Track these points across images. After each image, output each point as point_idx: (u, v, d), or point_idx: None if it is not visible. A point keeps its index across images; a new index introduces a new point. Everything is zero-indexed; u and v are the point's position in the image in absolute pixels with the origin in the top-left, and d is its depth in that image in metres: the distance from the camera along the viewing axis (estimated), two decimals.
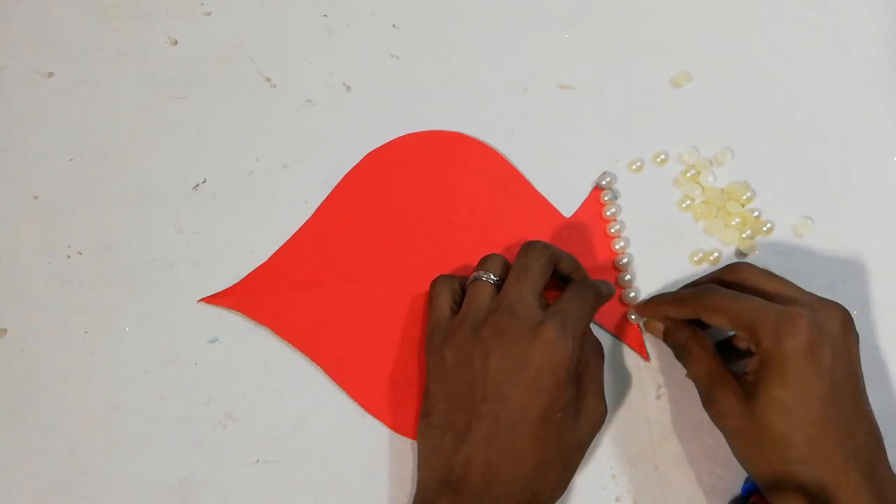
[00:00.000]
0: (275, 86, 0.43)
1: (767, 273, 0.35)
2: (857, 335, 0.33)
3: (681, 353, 0.36)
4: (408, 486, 0.37)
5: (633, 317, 0.39)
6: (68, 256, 0.39)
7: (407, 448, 0.37)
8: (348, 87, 0.43)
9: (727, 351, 0.36)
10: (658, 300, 0.38)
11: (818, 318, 0.31)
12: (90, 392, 0.37)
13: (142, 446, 0.37)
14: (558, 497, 0.33)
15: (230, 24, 0.44)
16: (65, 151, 0.41)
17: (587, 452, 0.35)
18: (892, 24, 0.46)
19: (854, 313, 0.40)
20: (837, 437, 0.30)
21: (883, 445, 0.32)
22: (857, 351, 0.33)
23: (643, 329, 0.39)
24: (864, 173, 0.43)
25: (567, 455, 0.33)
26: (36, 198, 0.40)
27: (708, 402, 0.34)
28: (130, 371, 0.38)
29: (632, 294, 0.40)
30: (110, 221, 0.40)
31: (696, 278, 0.39)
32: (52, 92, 0.42)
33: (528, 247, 0.35)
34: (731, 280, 0.35)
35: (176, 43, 0.43)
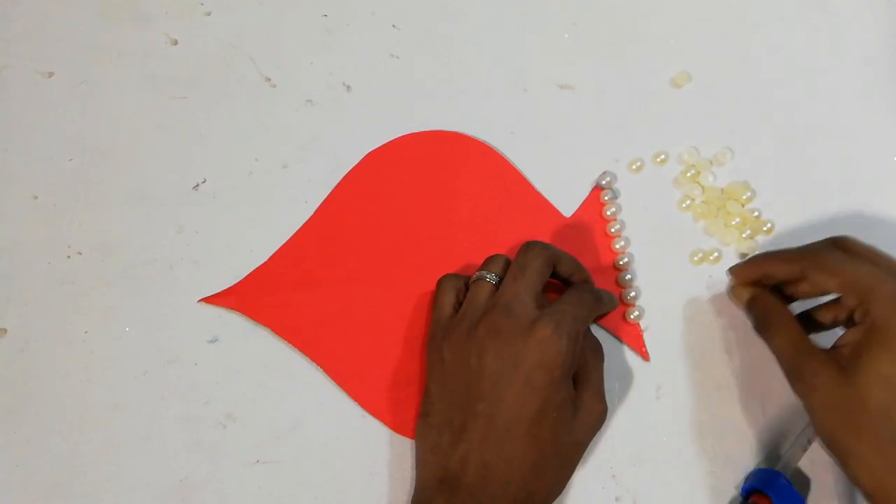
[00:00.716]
0: (275, 86, 0.43)
1: (873, 247, 0.34)
2: None
3: (764, 324, 0.35)
4: (407, 486, 0.37)
5: (632, 316, 0.39)
6: (68, 256, 0.39)
7: (406, 448, 0.37)
8: (348, 87, 0.43)
9: (806, 325, 0.35)
10: (761, 257, 0.36)
11: None
12: (90, 392, 0.37)
13: (142, 446, 0.37)
14: (556, 496, 0.33)
15: (230, 24, 0.44)
16: (65, 151, 0.41)
17: (587, 452, 0.35)
18: (891, 24, 0.46)
19: None
20: None
21: None
22: None
23: (729, 295, 0.38)
24: (864, 173, 0.43)
25: (564, 454, 0.33)
26: (36, 198, 0.40)
27: (795, 376, 0.32)
28: (130, 371, 0.38)
29: (632, 294, 0.40)
30: (110, 221, 0.40)
31: (696, 283, 0.39)
32: (53, 92, 0.42)
33: (527, 247, 0.36)
34: (841, 247, 0.34)
35: (176, 43, 0.43)
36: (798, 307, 0.36)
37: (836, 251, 0.33)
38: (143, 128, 0.41)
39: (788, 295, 0.36)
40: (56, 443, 0.36)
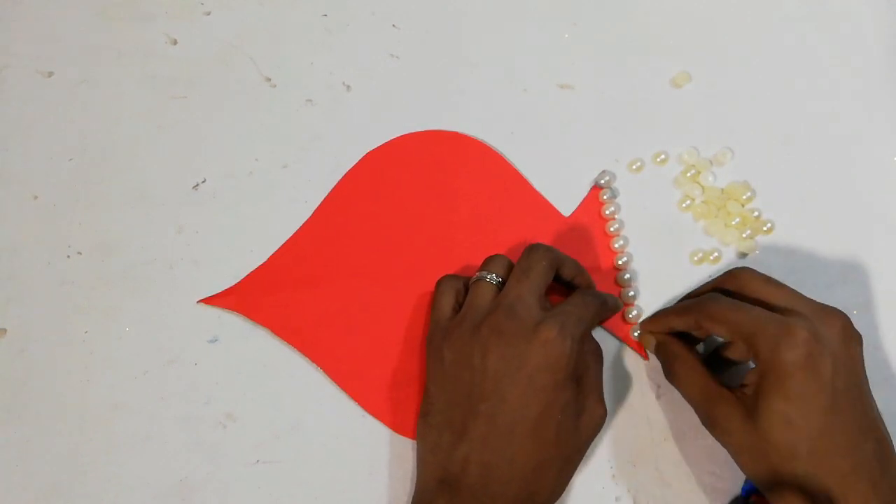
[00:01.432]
0: (275, 86, 0.43)
1: (767, 279, 0.34)
2: (859, 339, 0.33)
3: (672, 371, 0.36)
4: (408, 486, 0.37)
5: (631, 315, 0.39)
6: (68, 256, 0.39)
7: (407, 448, 0.37)
8: (348, 87, 0.43)
9: (717, 362, 0.36)
10: (661, 313, 0.37)
11: (817, 329, 0.31)
12: (90, 392, 0.37)
13: (142, 446, 0.37)
14: (556, 498, 0.33)
15: (230, 24, 0.44)
16: (65, 151, 0.41)
17: (587, 453, 0.35)
18: (892, 24, 0.46)
19: (854, 313, 0.40)
20: (843, 447, 0.30)
21: (892, 450, 0.32)
22: (860, 356, 0.33)
23: (638, 341, 0.39)
24: (864, 173, 0.43)
25: (566, 456, 0.33)
26: (36, 198, 0.40)
27: (708, 420, 0.33)
28: (130, 371, 0.38)
29: (631, 293, 0.40)
30: (110, 221, 0.40)
31: (696, 283, 0.39)
32: (53, 92, 0.42)
33: (531, 249, 0.36)
34: (732, 288, 0.35)
35: (176, 43, 0.43)
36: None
37: (720, 299, 0.34)
38: (144, 128, 0.41)
39: (697, 337, 0.37)
40: (56, 443, 0.36)
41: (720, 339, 0.38)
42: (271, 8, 0.44)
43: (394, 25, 0.44)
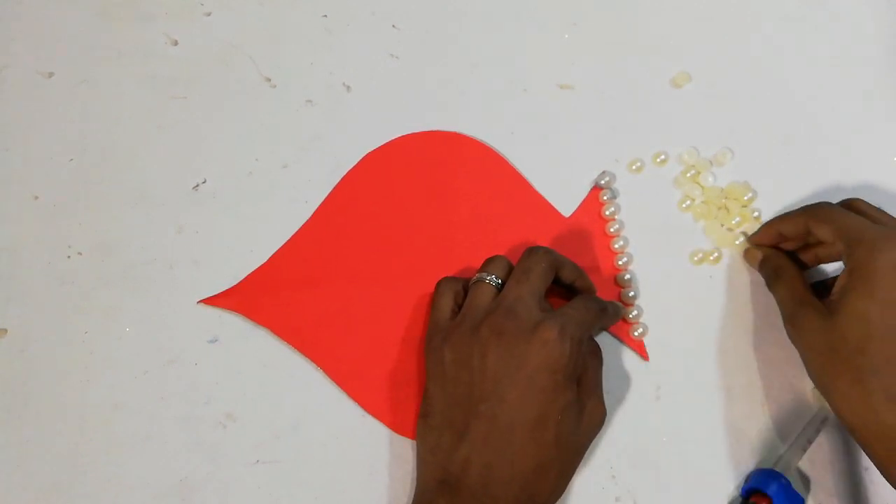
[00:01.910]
0: (275, 86, 0.43)
1: (880, 210, 0.36)
2: None
3: (772, 278, 0.37)
4: (408, 486, 0.37)
5: (631, 315, 0.39)
6: (68, 256, 0.39)
7: (407, 448, 0.37)
8: (348, 88, 0.43)
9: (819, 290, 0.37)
10: (769, 223, 0.39)
11: None
12: (90, 392, 0.37)
13: (142, 446, 0.37)
14: (556, 499, 0.33)
15: (230, 25, 0.44)
16: (65, 151, 0.41)
17: (587, 453, 0.35)
18: (891, 24, 0.46)
19: None
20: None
21: None
22: None
23: (744, 259, 0.40)
24: (864, 173, 0.43)
25: (566, 457, 0.33)
26: (36, 198, 0.40)
27: (790, 320, 0.35)
28: (131, 371, 0.38)
29: (631, 293, 0.40)
30: (110, 221, 0.40)
31: (696, 283, 0.40)
32: (53, 92, 0.42)
33: (530, 251, 0.36)
34: (846, 206, 0.37)
35: (176, 43, 0.43)
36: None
37: (831, 205, 0.36)
38: (144, 128, 0.41)
39: (802, 263, 0.39)
40: (56, 442, 0.37)
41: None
42: (271, 8, 0.44)
43: (394, 26, 0.44)
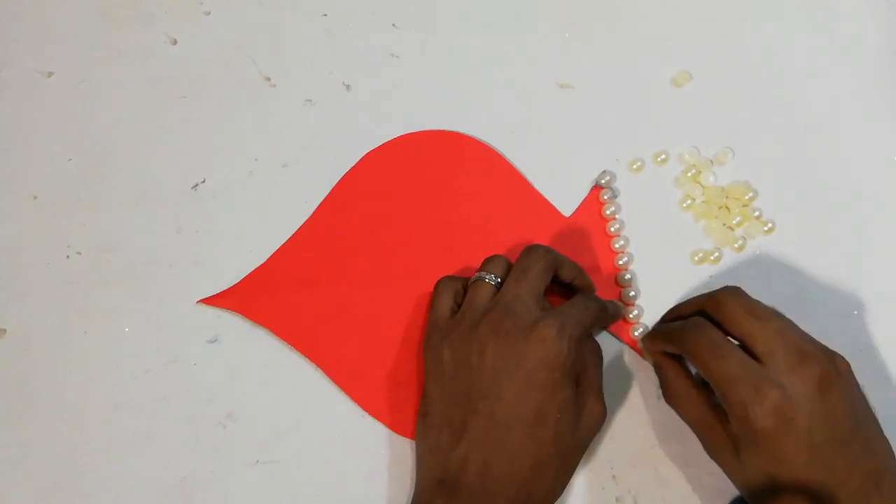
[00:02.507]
0: (275, 86, 0.43)
1: (751, 308, 0.33)
2: (842, 382, 0.32)
3: (667, 394, 0.36)
4: (407, 486, 0.37)
5: (632, 315, 0.39)
6: (68, 256, 0.39)
7: (406, 448, 0.37)
8: (348, 87, 0.43)
9: None
10: (654, 333, 0.37)
11: (788, 389, 0.31)
12: (90, 392, 0.37)
13: (142, 446, 0.37)
14: (556, 498, 0.33)
15: (230, 24, 0.44)
16: (65, 151, 0.41)
17: (587, 452, 0.35)
18: (891, 24, 0.46)
19: (854, 314, 0.40)
20: (829, 491, 0.30)
21: (890, 473, 0.31)
22: (844, 400, 0.31)
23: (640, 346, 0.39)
24: (864, 172, 0.43)
25: (565, 455, 0.33)
26: (36, 198, 0.40)
27: (705, 446, 0.34)
28: (131, 371, 0.38)
29: (631, 293, 0.40)
30: (110, 221, 0.40)
31: (697, 283, 0.40)
32: (52, 92, 0.42)
33: (529, 250, 0.36)
34: (715, 314, 0.34)
35: (176, 43, 0.43)
36: None
37: (704, 335, 0.33)
38: (143, 128, 0.41)
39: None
40: (56, 442, 0.37)
41: None
42: (271, 8, 0.44)
43: (394, 25, 0.44)
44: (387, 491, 0.37)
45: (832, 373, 0.31)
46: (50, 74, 0.42)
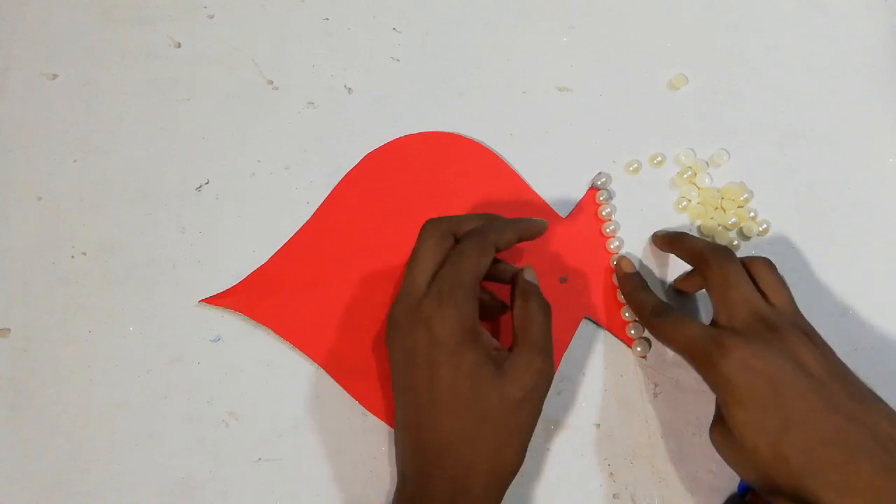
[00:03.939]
0: (277, 88, 0.43)
1: (778, 279, 0.35)
2: (806, 333, 0.32)
3: (655, 321, 0.36)
4: None
5: (627, 314, 0.39)
6: (72, 256, 0.39)
7: None
8: (349, 90, 0.43)
9: None
10: (675, 236, 0.39)
11: (747, 339, 0.31)
12: (93, 391, 0.37)
13: (145, 445, 0.37)
14: (519, 460, 0.32)
15: (232, 27, 0.44)
16: (69, 152, 0.41)
17: (585, 448, 0.35)
18: (888, 26, 0.46)
19: (849, 313, 0.41)
20: (809, 446, 0.30)
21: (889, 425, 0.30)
22: (806, 349, 0.32)
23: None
24: (859, 174, 0.43)
25: (500, 415, 0.31)
26: (40, 198, 0.40)
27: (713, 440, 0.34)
28: (133, 370, 0.38)
29: None
30: (114, 222, 0.40)
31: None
32: (56, 93, 0.42)
33: (423, 229, 0.35)
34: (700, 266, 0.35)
35: (179, 45, 0.43)
36: None
37: (675, 316, 0.34)
38: (147, 129, 0.42)
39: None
40: (59, 441, 0.37)
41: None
42: (273, 11, 0.44)
43: (394, 29, 0.45)
44: (387, 490, 0.37)
45: (791, 323, 0.33)
46: (54, 76, 0.42)
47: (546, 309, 0.34)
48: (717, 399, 0.32)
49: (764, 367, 0.30)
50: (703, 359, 0.32)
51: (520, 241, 0.35)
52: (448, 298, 0.31)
